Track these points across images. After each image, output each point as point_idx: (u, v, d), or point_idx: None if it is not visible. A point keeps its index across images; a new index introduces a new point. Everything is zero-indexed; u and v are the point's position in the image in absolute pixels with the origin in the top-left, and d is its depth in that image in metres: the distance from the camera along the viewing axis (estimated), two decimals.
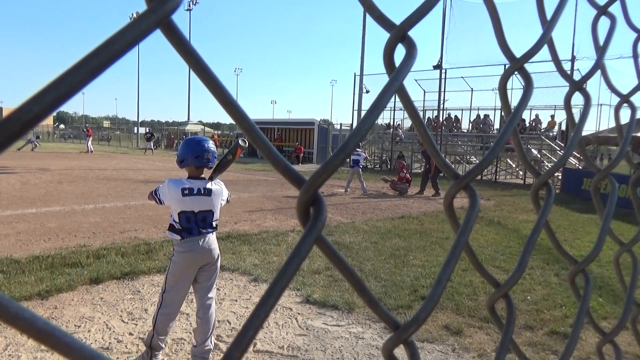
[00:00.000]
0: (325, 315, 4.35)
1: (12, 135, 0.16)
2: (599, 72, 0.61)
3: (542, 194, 0.52)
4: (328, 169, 0.27)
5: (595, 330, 0.66)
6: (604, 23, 0.64)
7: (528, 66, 0.47)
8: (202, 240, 3.28)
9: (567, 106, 0.60)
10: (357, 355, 3.64)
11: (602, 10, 0.60)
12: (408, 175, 14.53)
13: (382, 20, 0.34)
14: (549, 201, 0.45)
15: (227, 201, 3.60)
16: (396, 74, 0.30)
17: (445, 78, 22.15)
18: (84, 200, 10.15)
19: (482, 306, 4.62)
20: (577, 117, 0.59)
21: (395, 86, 0.29)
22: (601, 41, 0.60)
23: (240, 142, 3.35)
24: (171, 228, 3.31)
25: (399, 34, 0.32)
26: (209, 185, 3.34)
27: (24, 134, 0.17)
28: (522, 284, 5.42)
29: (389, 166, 24.29)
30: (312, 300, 4.62)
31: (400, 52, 0.33)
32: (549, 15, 0.46)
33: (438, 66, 21.86)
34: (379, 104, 0.28)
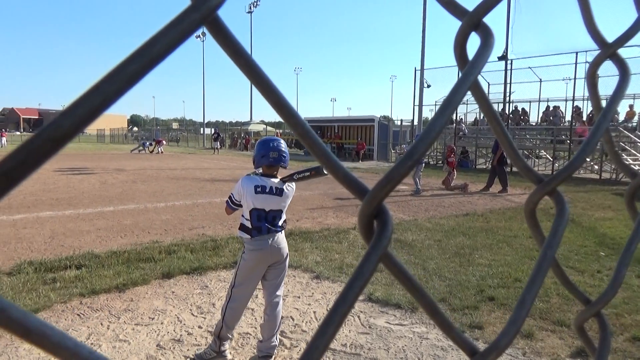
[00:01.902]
0: (387, 313, 4.29)
1: (42, 154, 0.14)
2: None
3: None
4: (394, 178, 0.24)
5: None
6: None
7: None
8: (271, 239, 3.33)
9: None
10: (421, 356, 3.56)
11: None
12: (454, 160, 13.94)
13: (452, 6, 0.30)
14: None
15: None
16: (470, 67, 0.27)
17: (511, 69, 21.14)
18: (156, 199, 10.71)
19: (555, 308, 4.36)
20: None
21: (470, 81, 0.26)
22: None
23: (324, 170, 3.30)
24: (242, 227, 3.39)
25: (473, 21, 0.29)
26: (281, 186, 3.37)
27: (57, 151, 0.16)
28: (599, 286, 5.06)
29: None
30: (375, 298, 4.57)
31: (472, 43, 0.30)
32: None
33: (503, 57, 20.90)
34: (451, 102, 0.25)
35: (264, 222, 3.31)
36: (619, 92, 0.36)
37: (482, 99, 0.31)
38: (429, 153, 24.54)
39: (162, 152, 31.51)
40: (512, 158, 0.34)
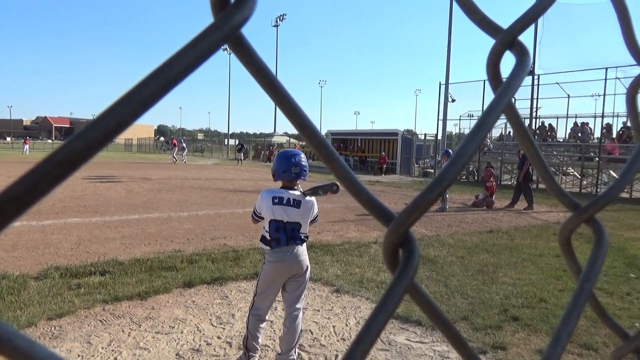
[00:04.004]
0: (408, 330, 4.21)
1: (54, 178, 0.14)
2: None
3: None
4: (422, 205, 0.23)
5: None
6: None
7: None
8: (290, 251, 3.34)
9: None
10: None
11: None
12: (493, 185, 13.65)
13: (485, 23, 0.29)
14: None
15: (315, 220, 3.57)
16: (505, 88, 0.25)
17: (538, 84, 20.80)
18: (180, 208, 10.85)
19: (582, 331, 4.21)
20: None
21: (504, 102, 0.24)
22: None
23: (334, 187, 3.37)
24: (262, 239, 3.43)
25: (507, 39, 0.27)
26: (300, 198, 3.39)
27: (69, 175, 0.15)
28: (629, 309, 4.87)
29: (476, 177, 23.24)
30: (395, 314, 4.48)
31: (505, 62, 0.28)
32: None
33: (530, 72, 20.61)
34: (484, 126, 0.24)
35: (282, 234, 3.33)
36: None
37: (516, 121, 0.29)
38: None
39: (185, 162, 31.90)
40: (546, 181, 0.32)
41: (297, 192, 3.41)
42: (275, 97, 0.22)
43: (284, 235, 3.33)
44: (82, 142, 0.14)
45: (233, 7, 0.18)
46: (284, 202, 3.35)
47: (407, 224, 0.22)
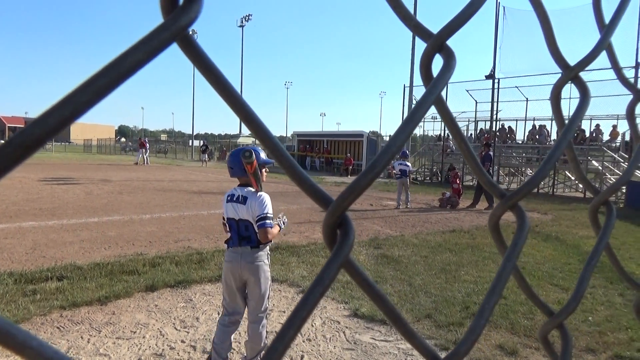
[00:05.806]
0: (373, 329, 4.27)
1: (14, 159, 0.15)
2: None
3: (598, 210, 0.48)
4: (356, 189, 0.25)
5: None
6: None
7: (588, 74, 0.43)
8: (242, 253, 3.29)
9: (630, 117, 0.55)
10: None
11: None
12: (460, 187, 14.11)
13: (419, 29, 0.32)
14: (609, 222, 0.41)
15: (262, 220, 3.24)
16: (432, 86, 0.28)
17: (498, 88, 21.47)
18: (142, 210, 10.59)
19: (539, 326, 4.35)
20: None
21: (430, 100, 0.27)
22: None
23: (246, 153, 3.15)
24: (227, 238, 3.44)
25: (437, 43, 0.30)
26: (246, 194, 3.33)
27: (27, 157, 0.16)
28: (583, 303, 5.11)
29: (439, 178, 23.78)
30: (360, 314, 4.55)
31: (437, 63, 0.31)
32: (607, 20, 0.42)
33: (491, 76, 21.25)
34: (413, 119, 0.26)
35: (234, 232, 3.32)
36: (579, 112, 0.38)
37: (447, 116, 0.32)
38: (417, 169, 24.76)
39: (148, 164, 31.13)
40: (476, 173, 0.35)
41: (250, 189, 3.36)
42: (222, 93, 0.24)
43: (236, 234, 3.31)
44: (40, 127, 0.16)
45: (180, 10, 0.20)
46: (234, 199, 3.34)
47: (343, 207, 0.25)
